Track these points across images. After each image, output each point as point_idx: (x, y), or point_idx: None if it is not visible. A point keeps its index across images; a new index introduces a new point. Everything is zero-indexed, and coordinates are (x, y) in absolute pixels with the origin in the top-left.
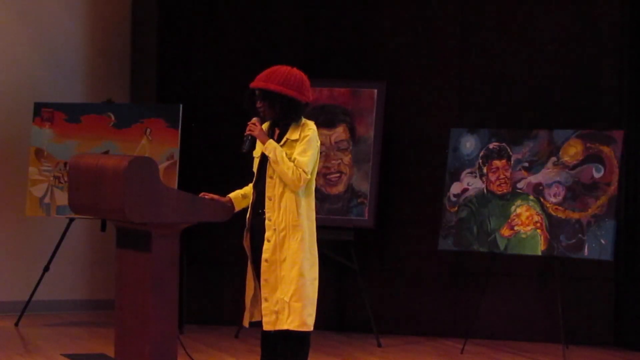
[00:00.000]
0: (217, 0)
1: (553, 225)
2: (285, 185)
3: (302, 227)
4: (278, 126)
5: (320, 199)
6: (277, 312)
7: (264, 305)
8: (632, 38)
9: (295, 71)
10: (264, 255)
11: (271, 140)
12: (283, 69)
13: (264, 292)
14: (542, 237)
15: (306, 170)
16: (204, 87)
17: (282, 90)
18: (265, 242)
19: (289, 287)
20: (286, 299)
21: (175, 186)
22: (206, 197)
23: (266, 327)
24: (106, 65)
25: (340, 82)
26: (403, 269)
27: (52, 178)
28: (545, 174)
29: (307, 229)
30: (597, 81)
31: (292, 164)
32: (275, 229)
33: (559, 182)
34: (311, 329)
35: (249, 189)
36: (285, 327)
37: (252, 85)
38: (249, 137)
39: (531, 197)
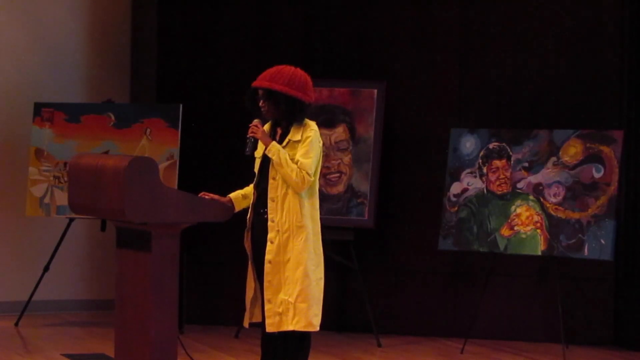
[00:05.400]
0: (217, 1)
1: (553, 225)
2: (288, 186)
3: (306, 228)
4: (280, 126)
5: (320, 199)
6: (280, 314)
7: (267, 307)
8: (632, 38)
9: (300, 71)
10: (268, 257)
11: (274, 143)
12: (288, 69)
13: (267, 294)
14: (542, 237)
15: (309, 172)
16: (204, 87)
17: (287, 91)
18: (269, 243)
19: (294, 288)
20: (291, 300)
21: (175, 186)
22: (206, 197)
23: (269, 328)
24: (106, 65)
25: (340, 82)
26: (403, 269)
27: (52, 178)
28: (545, 174)
29: (311, 230)
30: (597, 81)
31: (295, 166)
32: (278, 230)
33: (559, 182)
34: (317, 329)
35: (249, 189)
36: (290, 328)
37: (256, 84)
38: (252, 139)
39: (531, 197)
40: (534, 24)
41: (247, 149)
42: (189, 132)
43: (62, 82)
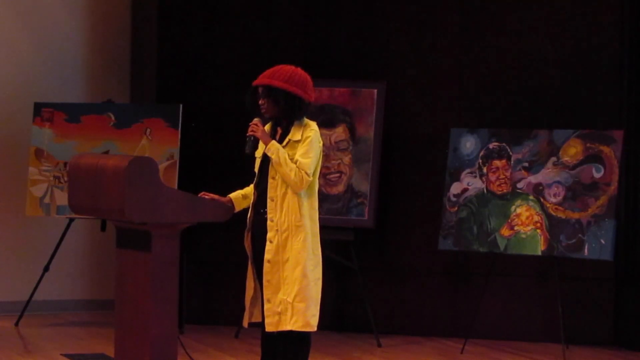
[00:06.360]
0: (217, 0)
1: (553, 225)
2: (287, 186)
3: (304, 228)
4: (280, 126)
5: (320, 199)
6: (279, 313)
7: (266, 306)
8: (632, 38)
9: (300, 70)
10: (267, 256)
11: (274, 142)
12: (287, 68)
13: (266, 294)
14: (542, 237)
15: (308, 172)
16: (204, 87)
17: (286, 88)
18: (268, 242)
19: (292, 287)
20: (289, 299)
21: (175, 186)
22: (206, 197)
23: (268, 328)
24: (106, 65)
25: (340, 82)
26: (403, 269)
27: (52, 178)
28: (545, 174)
29: (310, 229)
30: (597, 81)
31: (294, 165)
32: (277, 230)
33: (559, 182)
34: (315, 329)
35: (249, 189)
36: (288, 327)
37: (256, 82)
38: (252, 138)
39: (531, 197)
40: (534, 24)
41: (247, 148)
42: (189, 132)
43: (62, 82)
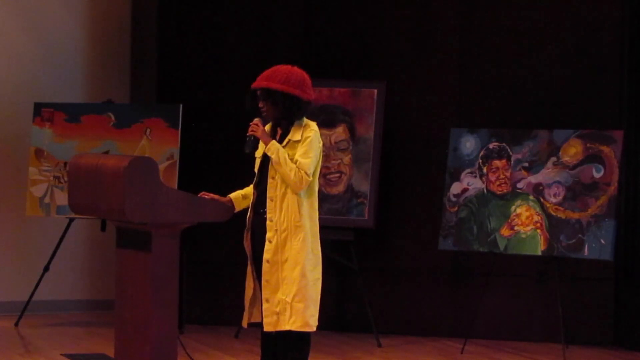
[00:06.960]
0: (217, 1)
1: (553, 225)
2: (287, 186)
3: (304, 228)
4: (280, 126)
5: (320, 199)
6: (278, 313)
7: (265, 306)
8: (632, 38)
9: (297, 70)
10: (266, 256)
11: (274, 141)
12: (284, 68)
13: (265, 293)
14: (542, 237)
15: (308, 172)
16: (204, 87)
17: (284, 89)
18: (267, 242)
19: (291, 287)
20: (288, 299)
21: (175, 186)
22: (206, 197)
23: (267, 328)
24: (106, 65)
25: (340, 82)
26: (403, 269)
27: (52, 178)
28: (545, 174)
29: (309, 230)
30: (597, 81)
31: (294, 165)
32: (277, 230)
33: (559, 182)
34: (314, 329)
35: (249, 189)
36: (286, 327)
37: (254, 85)
38: (252, 138)
39: (531, 197)
40: (534, 24)
41: (247, 148)
42: (189, 132)
43: (62, 82)
